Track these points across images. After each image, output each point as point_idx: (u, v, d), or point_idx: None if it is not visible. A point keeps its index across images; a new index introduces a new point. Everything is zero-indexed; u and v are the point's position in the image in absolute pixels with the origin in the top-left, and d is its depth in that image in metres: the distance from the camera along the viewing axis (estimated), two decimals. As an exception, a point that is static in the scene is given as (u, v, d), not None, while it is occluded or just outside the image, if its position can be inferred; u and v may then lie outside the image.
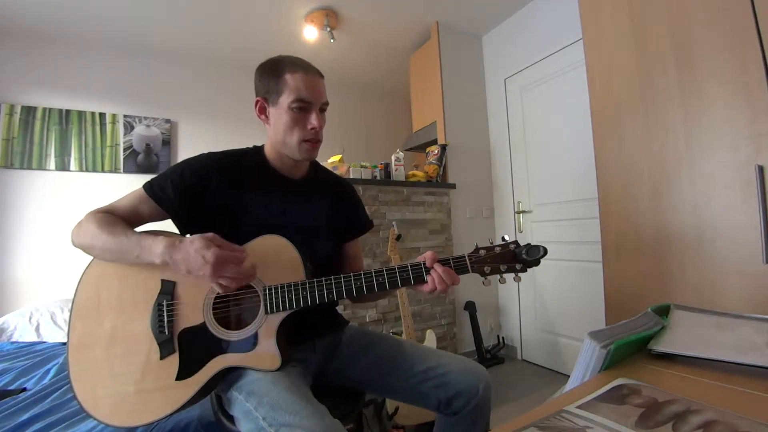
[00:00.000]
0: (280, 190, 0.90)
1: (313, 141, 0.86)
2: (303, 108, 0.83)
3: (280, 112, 0.84)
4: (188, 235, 0.76)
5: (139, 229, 0.81)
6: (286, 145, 0.86)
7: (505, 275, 0.77)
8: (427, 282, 0.76)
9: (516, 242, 0.77)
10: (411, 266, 0.76)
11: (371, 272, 0.77)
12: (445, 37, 2.72)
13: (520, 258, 0.75)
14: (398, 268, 0.77)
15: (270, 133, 0.89)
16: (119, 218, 0.79)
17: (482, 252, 0.77)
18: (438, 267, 0.75)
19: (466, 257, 0.77)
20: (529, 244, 0.75)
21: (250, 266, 0.73)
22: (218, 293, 0.76)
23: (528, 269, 0.77)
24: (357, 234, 1.04)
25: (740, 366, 0.49)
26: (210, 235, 0.72)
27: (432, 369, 0.86)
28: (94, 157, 2.70)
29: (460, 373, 0.84)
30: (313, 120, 0.84)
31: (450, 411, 0.84)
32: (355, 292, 0.76)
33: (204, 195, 0.83)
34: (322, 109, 0.87)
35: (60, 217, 2.53)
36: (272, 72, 0.84)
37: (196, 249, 0.69)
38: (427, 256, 0.76)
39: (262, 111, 0.88)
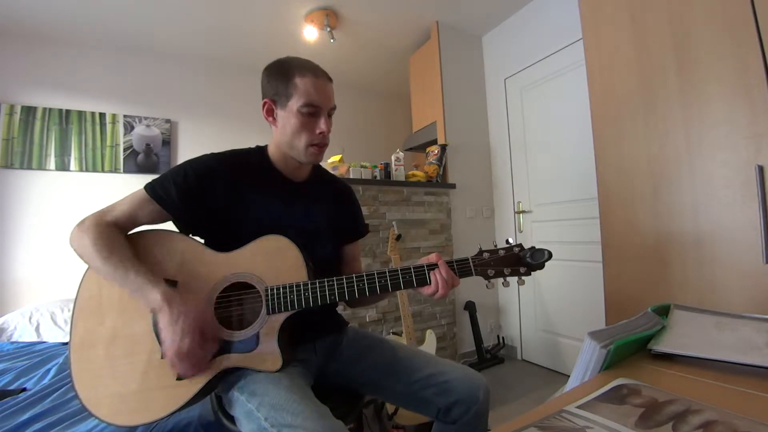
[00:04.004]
0: (283, 192, 0.90)
1: (320, 145, 0.87)
2: (312, 113, 0.83)
3: (288, 116, 0.84)
4: (189, 303, 0.72)
5: (139, 229, 0.82)
6: (294, 148, 0.86)
7: (508, 278, 0.76)
8: (429, 284, 0.76)
9: (520, 245, 0.76)
10: (414, 268, 0.76)
11: (373, 273, 0.77)
12: (445, 37, 2.72)
13: (524, 261, 0.75)
14: (401, 270, 0.76)
15: (276, 135, 0.89)
16: (118, 236, 0.77)
17: (486, 255, 0.76)
18: (441, 267, 0.75)
19: (470, 260, 0.76)
20: (533, 248, 0.74)
21: (202, 365, 0.73)
22: (219, 293, 0.77)
23: (532, 273, 0.76)
24: (356, 237, 1.04)
25: (740, 366, 0.49)
26: (207, 322, 0.73)
27: (433, 376, 0.85)
28: (94, 157, 2.70)
29: (460, 380, 0.84)
30: (322, 125, 0.84)
31: (449, 419, 0.83)
32: (357, 293, 0.76)
33: (207, 196, 0.82)
34: (330, 114, 0.87)
35: (60, 217, 2.53)
36: (281, 75, 0.84)
37: (182, 326, 0.68)
38: (431, 258, 0.77)
39: (270, 113, 0.87)
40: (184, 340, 0.68)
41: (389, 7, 2.54)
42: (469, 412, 0.81)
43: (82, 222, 0.77)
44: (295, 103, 0.82)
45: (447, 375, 0.85)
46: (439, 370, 0.86)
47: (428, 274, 0.76)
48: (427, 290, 0.76)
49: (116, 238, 0.76)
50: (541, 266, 0.74)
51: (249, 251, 0.79)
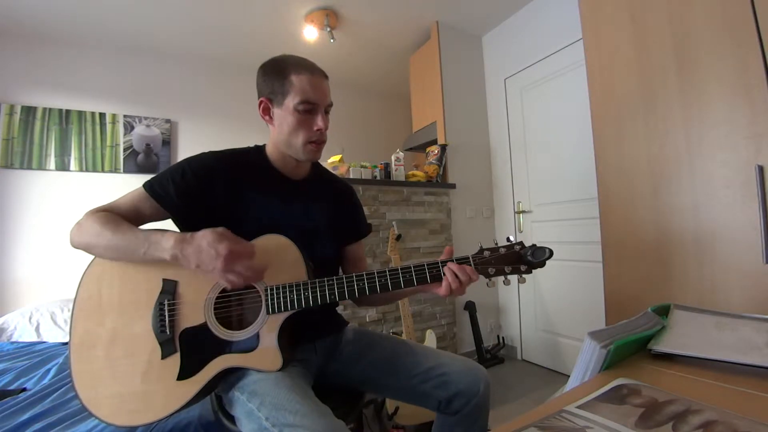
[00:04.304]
0: (282, 191, 0.90)
1: (318, 142, 0.87)
2: (309, 110, 0.83)
3: (285, 114, 0.84)
4: (199, 231, 0.74)
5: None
6: (291, 146, 0.86)
7: (509, 276, 0.76)
8: (429, 283, 0.75)
9: (521, 243, 0.76)
10: (414, 267, 0.76)
11: (373, 273, 0.77)
12: (445, 37, 2.72)
13: (525, 259, 0.74)
14: (401, 269, 0.76)
15: (273, 134, 0.89)
16: (121, 217, 0.78)
17: (486, 253, 0.76)
18: (452, 265, 0.74)
19: (470, 258, 0.76)
20: (534, 245, 0.74)
21: (261, 264, 0.72)
22: (219, 293, 0.77)
23: (532, 271, 0.76)
24: (357, 237, 1.04)
25: (740, 366, 0.49)
26: (221, 229, 0.71)
27: (432, 369, 0.86)
28: (94, 157, 2.69)
29: (461, 372, 0.84)
30: (319, 121, 0.84)
31: (450, 411, 0.84)
32: (357, 293, 0.76)
33: (205, 194, 0.82)
34: (326, 111, 0.87)
35: (60, 217, 2.53)
36: (277, 73, 0.84)
37: (209, 242, 0.68)
38: (444, 251, 0.78)
39: (266, 111, 0.87)
40: (220, 245, 0.67)
41: (389, 7, 2.54)
42: (470, 404, 0.82)
43: (80, 219, 0.77)
44: (291, 101, 0.82)
45: (446, 367, 0.85)
46: (438, 362, 0.87)
47: (428, 273, 0.75)
48: (440, 291, 0.75)
49: (120, 218, 0.77)
50: (542, 264, 0.74)
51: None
